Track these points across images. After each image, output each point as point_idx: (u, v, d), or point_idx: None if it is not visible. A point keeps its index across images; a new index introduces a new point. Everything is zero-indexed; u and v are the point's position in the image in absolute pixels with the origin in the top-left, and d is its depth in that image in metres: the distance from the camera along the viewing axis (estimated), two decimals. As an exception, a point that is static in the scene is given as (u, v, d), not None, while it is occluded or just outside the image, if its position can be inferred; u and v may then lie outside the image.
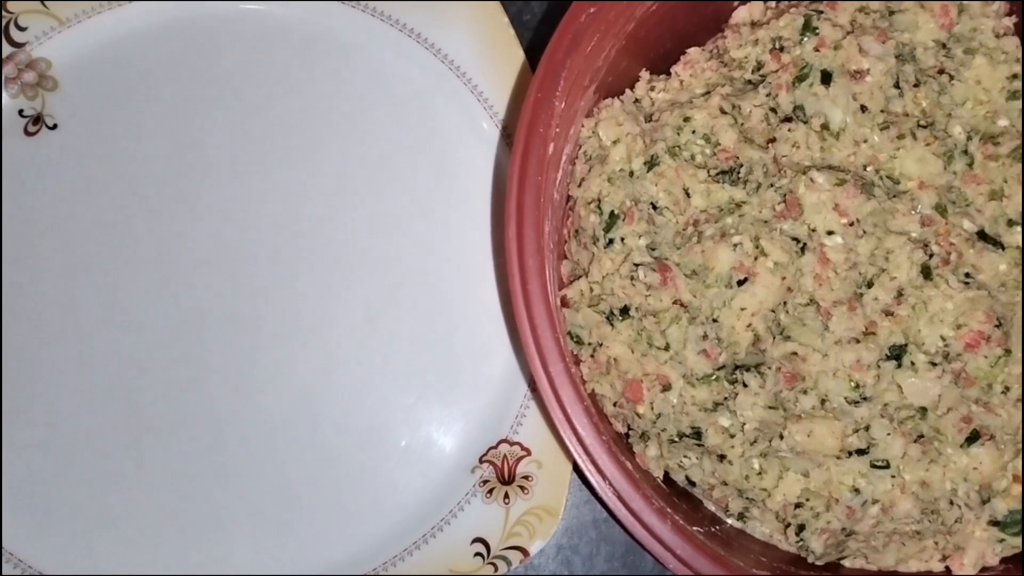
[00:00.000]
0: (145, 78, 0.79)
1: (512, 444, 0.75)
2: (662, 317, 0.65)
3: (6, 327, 0.76)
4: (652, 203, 0.67)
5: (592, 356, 0.68)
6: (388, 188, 0.78)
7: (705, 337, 0.65)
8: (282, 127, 0.78)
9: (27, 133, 0.78)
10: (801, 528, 0.66)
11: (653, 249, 0.66)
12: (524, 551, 0.73)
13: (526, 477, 0.75)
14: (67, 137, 0.78)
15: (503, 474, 0.75)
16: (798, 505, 0.65)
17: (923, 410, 0.64)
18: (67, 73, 0.78)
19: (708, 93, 0.69)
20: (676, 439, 0.66)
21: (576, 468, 0.71)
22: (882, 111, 0.66)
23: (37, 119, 0.78)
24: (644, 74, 0.72)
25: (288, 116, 0.78)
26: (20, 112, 0.78)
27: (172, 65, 0.79)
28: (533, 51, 0.78)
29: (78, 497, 0.75)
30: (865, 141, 0.66)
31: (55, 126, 0.78)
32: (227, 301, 0.77)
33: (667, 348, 0.65)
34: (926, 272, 0.64)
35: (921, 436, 0.64)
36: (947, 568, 0.67)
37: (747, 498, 0.67)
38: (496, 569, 0.73)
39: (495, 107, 0.77)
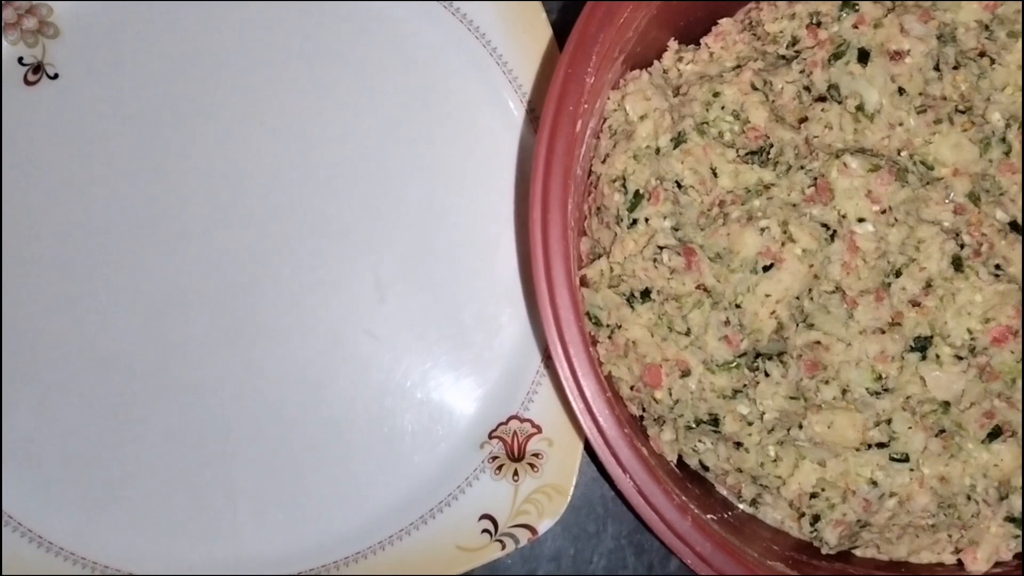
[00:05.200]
0: (150, 27, 0.76)
1: (523, 421, 0.74)
2: (684, 301, 0.64)
3: (4, 284, 0.74)
4: (677, 182, 0.65)
5: (610, 338, 0.66)
6: (403, 156, 0.76)
7: (727, 323, 0.64)
8: (296, 87, 0.76)
9: (27, 82, 0.75)
10: (816, 519, 0.65)
11: (677, 230, 0.65)
12: (532, 529, 0.72)
13: (536, 455, 0.74)
14: (69, 87, 0.75)
15: (513, 451, 0.74)
16: (813, 495, 0.64)
17: (946, 404, 0.63)
18: (69, 20, 0.75)
19: (739, 67, 0.67)
20: (693, 425, 0.65)
21: (590, 452, 0.70)
22: (920, 94, 0.64)
23: (37, 68, 0.75)
24: (672, 44, 0.69)
25: (303, 75, 0.76)
26: (20, 60, 0.75)
27: (179, 15, 0.76)
28: (558, 25, 0.76)
29: (80, 461, 0.74)
30: (900, 124, 0.64)
31: (56, 75, 0.75)
32: (233, 265, 0.75)
33: (688, 333, 0.64)
34: (957, 263, 0.62)
35: (942, 430, 0.63)
36: (959, 561, 0.67)
37: (761, 485, 0.66)
38: (504, 547, 0.72)
39: (518, 77, 0.75)
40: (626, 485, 0.59)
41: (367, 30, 0.76)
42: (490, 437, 0.75)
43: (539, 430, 0.74)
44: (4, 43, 0.74)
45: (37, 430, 0.74)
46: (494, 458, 0.74)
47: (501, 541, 0.72)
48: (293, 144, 0.76)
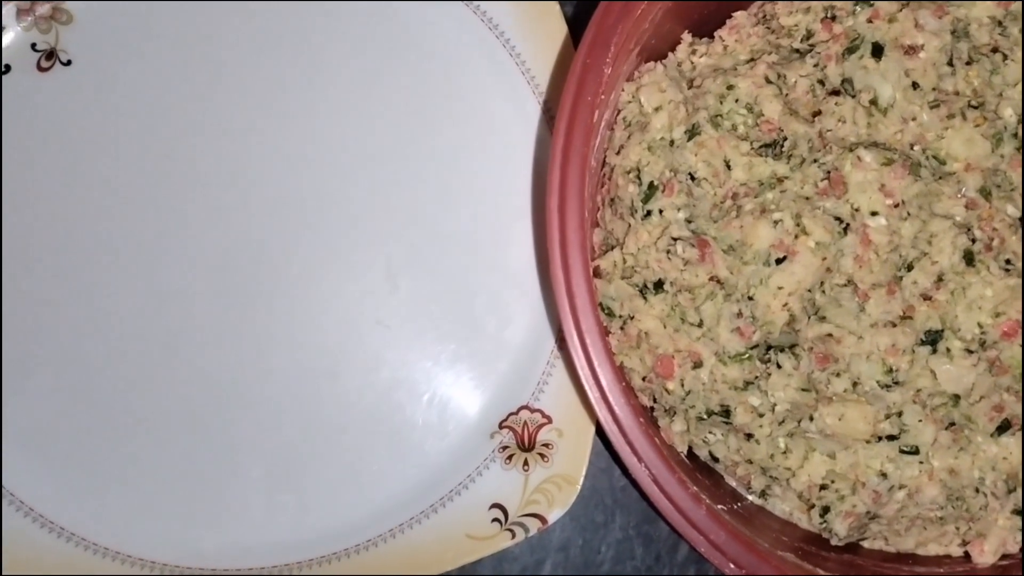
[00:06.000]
0: (164, 13, 0.75)
1: (533, 411, 0.74)
2: (697, 293, 0.64)
3: (15, 268, 0.74)
4: (691, 174, 0.65)
5: (622, 329, 0.66)
6: (419, 149, 0.76)
7: (740, 315, 0.64)
8: (314, 81, 0.76)
9: (40, 68, 0.75)
10: (825, 510, 0.65)
11: (690, 222, 0.65)
12: (542, 519, 0.73)
13: (546, 445, 0.74)
14: (82, 74, 0.75)
15: (523, 441, 0.74)
16: (823, 487, 0.65)
17: (956, 397, 0.63)
18: (82, 7, 0.75)
19: (753, 60, 0.67)
20: (704, 416, 0.65)
21: (604, 441, 0.71)
22: (933, 89, 0.64)
23: (51, 54, 0.75)
24: (686, 36, 0.70)
25: (321, 69, 0.76)
26: (33, 46, 0.75)
27: (193, 2, 0.75)
28: (571, 22, 0.76)
29: (90, 446, 0.74)
30: (914, 119, 0.64)
31: (69, 62, 0.75)
32: (246, 253, 0.75)
33: (700, 325, 0.64)
34: (968, 258, 0.63)
35: (952, 423, 0.64)
36: (966, 553, 0.67)
37: (771, 476, 0.66)
38: (514, 536, 0.72)
39: (531, 69, 0.75)
40: (641, 474, 0.59)
41: (388, 24, 0.76)
42: (500, 427, 0.75)
43: (549, 420, 0.74)
44: (17, 29, 0.74)
45: (47, 414, 0.74)
46: (504, 448, 0.74)
47: (511, 530, 0.73)
48: (309, 137, 0.76)
